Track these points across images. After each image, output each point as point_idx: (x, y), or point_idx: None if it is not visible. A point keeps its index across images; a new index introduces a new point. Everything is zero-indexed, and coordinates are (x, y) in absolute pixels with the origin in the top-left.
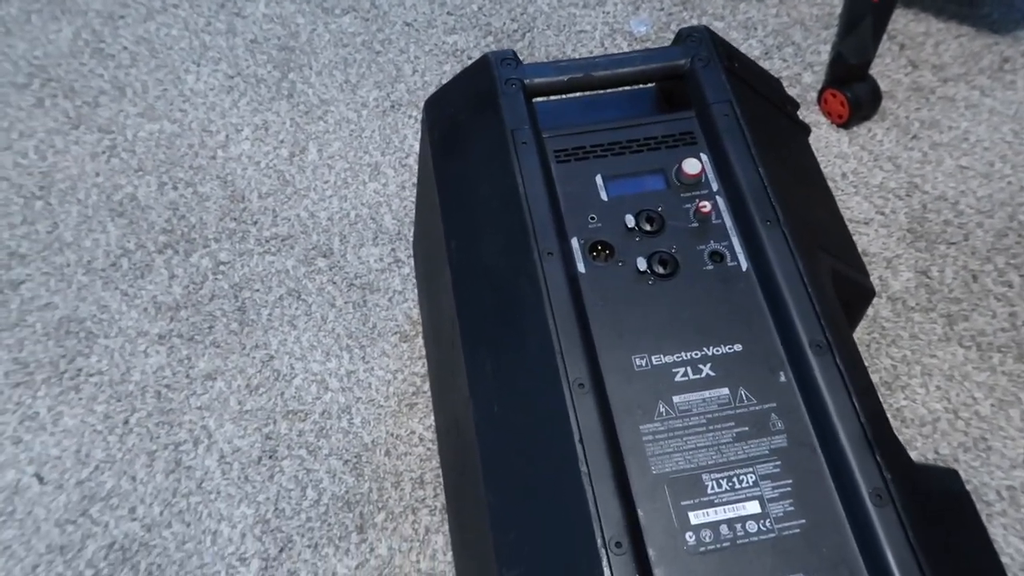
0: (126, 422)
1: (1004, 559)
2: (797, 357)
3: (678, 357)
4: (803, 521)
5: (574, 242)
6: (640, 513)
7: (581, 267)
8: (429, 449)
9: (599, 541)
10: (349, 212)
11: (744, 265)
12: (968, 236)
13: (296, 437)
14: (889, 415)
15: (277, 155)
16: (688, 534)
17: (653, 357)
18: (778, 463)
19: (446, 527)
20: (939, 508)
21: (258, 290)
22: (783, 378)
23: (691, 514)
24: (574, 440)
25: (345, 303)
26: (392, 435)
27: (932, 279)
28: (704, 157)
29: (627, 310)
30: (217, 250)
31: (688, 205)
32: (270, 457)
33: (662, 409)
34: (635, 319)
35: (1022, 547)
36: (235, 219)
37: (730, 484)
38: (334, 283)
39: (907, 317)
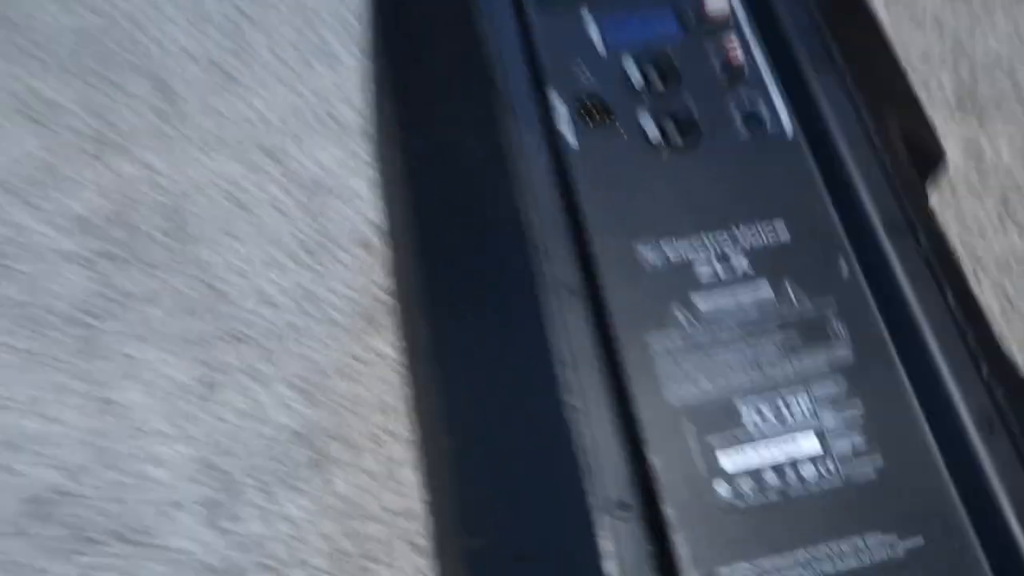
0: (46, 355)
1: None
2: (866, 242)
3: (702, 246)
4: (879, 461)
5: (559, 105)
6: (652, 459)
7: (570, 137)
8: (395, 371)
9: (595, 501)
10: (302, 108)
11: (789, 129)
12: None
13: (239, 364)
14: None
15: (219, 47)
16: (719, 484)
17: (666, 248)
18: (843, 382)
19: (414, 458)
20: None
21: (198, 200)
22: (846, 270)
23: (722, 456)
24: (559, 363)
25: (298, 210)
26: (352, 356)
27: (985, 158)
28: None
29: (631, 191)
30: (151, 159)
31: (712, 53)
32: (209, 388)
33: (680, 316)
34: (642, 202)
35: None
36: (171, 122)
37: (776, 413)
38: (286, 190)
39: (955, 202)
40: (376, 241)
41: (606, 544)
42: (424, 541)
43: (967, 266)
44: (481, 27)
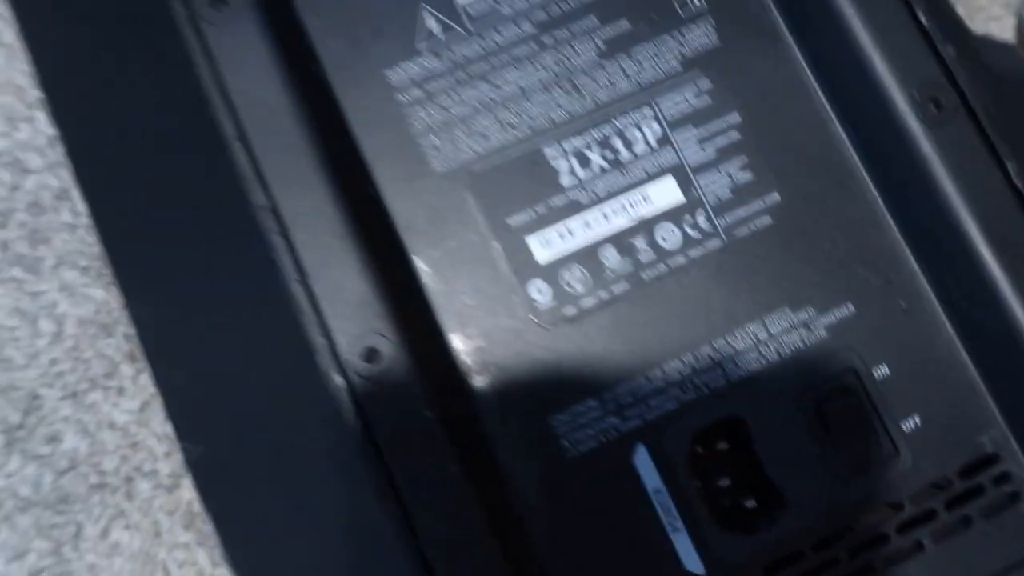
0: None
1: None
2: None
3: None
4: (777, 198)
5: None
6: (419, 266)
7: None
8: None
9: (324, 354)
10: None
11: None
12: None
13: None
14: None
15: None
16: (532, 287)
17: None
18: (705, 84)
19: None
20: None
21: None
22: None
23: (531, 240)
24: (230, 139)
25: None
26: None
27: None
28: None
29: None
30: None
31: None
32: None
33: (428, 20)
34: None
35: None
36: None
37: (608, 152)
38: None
39: None
40: None
41: (346, 409)
42: None
43: None
44: None
